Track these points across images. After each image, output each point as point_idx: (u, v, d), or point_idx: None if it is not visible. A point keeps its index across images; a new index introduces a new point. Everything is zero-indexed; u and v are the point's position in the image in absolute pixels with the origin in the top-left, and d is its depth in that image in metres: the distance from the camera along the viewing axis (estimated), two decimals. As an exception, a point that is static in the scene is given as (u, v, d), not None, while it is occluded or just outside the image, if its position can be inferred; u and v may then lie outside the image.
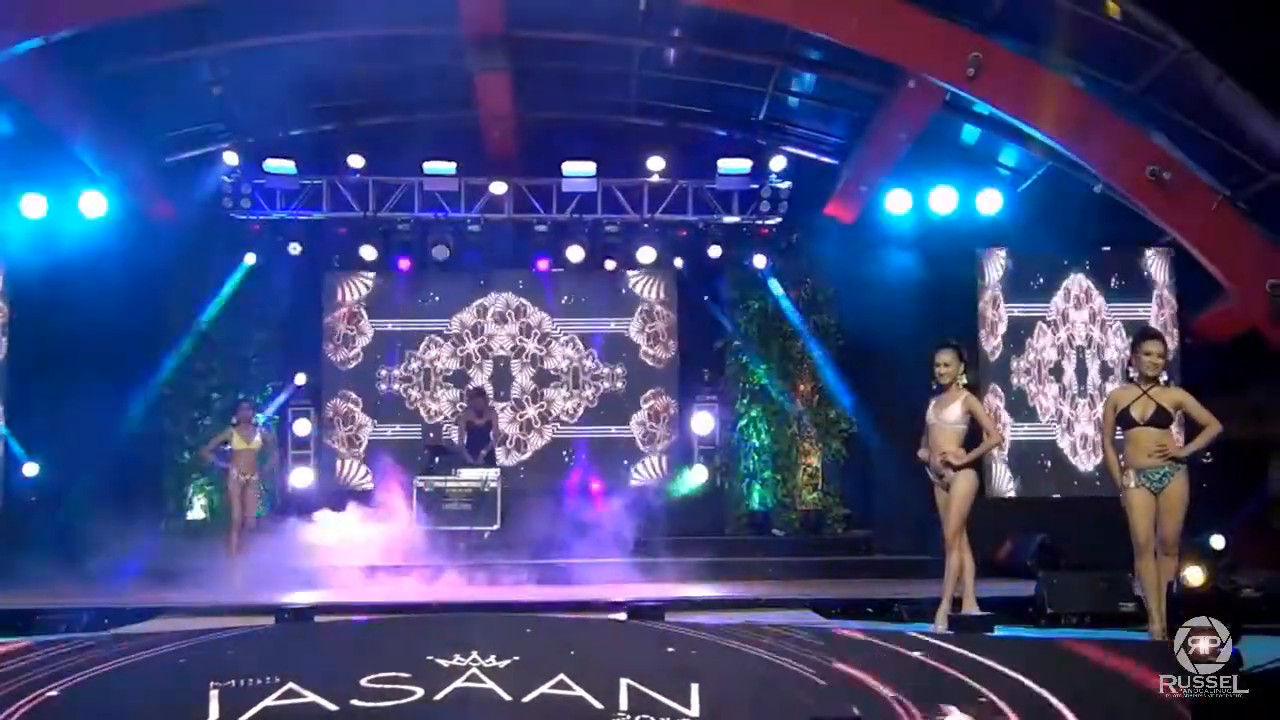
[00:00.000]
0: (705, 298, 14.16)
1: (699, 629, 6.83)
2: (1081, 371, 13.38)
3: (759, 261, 13.58)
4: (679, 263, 14.07)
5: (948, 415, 7.37)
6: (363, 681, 5.43)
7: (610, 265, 13.84)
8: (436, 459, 12.85)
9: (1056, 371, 13.39)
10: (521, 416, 14.41)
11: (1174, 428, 6.99)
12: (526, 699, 5.35)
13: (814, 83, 12.97)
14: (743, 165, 12.87)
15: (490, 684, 5.47)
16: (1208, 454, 8.96)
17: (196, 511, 13.13)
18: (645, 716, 5.16)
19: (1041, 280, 13.48)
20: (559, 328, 14.51)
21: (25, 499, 12.46)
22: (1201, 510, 7.13)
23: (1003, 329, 13.36)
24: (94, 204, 12.50)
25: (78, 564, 10.66)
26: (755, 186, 13.08)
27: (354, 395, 14.28)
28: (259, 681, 5.40)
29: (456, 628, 6.63)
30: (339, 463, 14.23)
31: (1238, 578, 8.37)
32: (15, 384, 12.71)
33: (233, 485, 11.05)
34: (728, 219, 13.29)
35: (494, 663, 5.65)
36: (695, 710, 5.23)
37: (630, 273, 14.32)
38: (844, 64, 12.03)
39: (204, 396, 13.33)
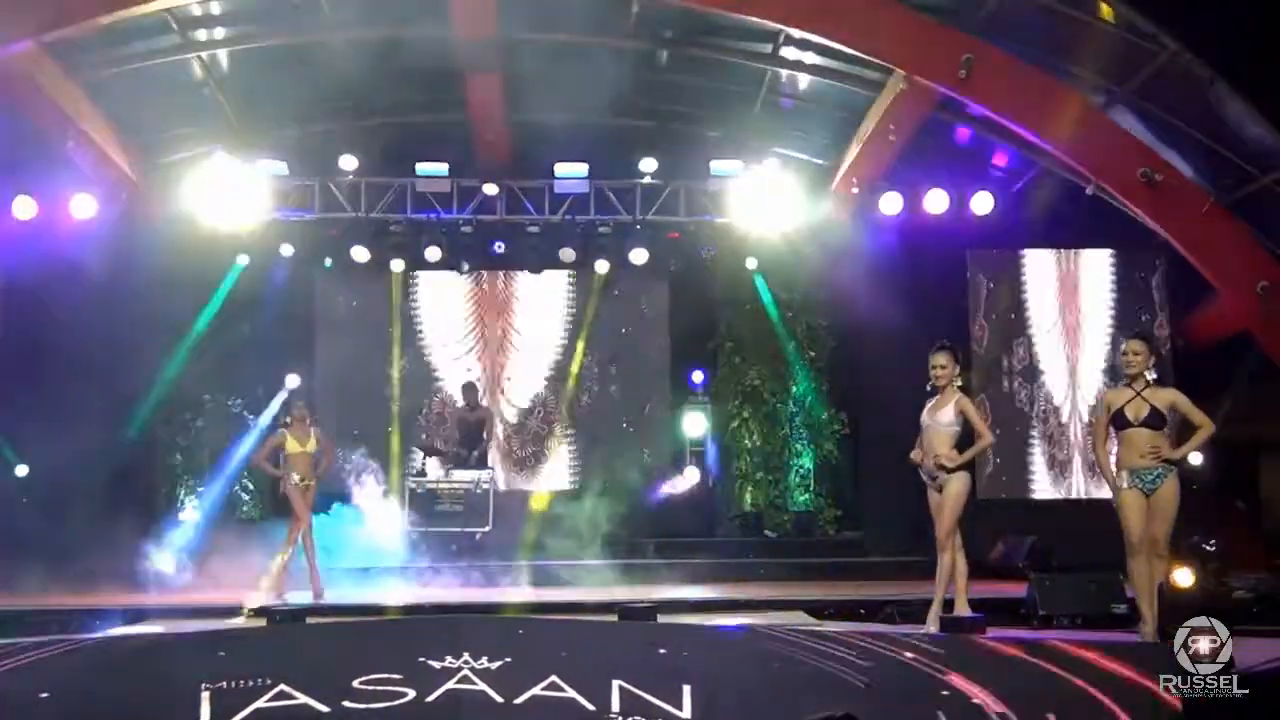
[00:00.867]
0: (697, 299, 14.13)
1: (691, 630, 6.84)
2: (1073, 373, 13.41)
3: (750, 263, 13.58)
4: (671, 264, 14.06)
5: (941, 417, 7.38)
6: (354, 683, 5.42)
7: (602, 266, 13.83)
8: (427, 460, 12.82)
9: (1049, 372, 13.43)
10: (514, 417, 14.39)
11: (1167, 429, 7.02)
12: (518, 700, 5.35)
13: (806, 84, 12.97)
14: (734, 166, 12.86)
15: (482, 685, 5.47)
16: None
17: (188, 513, 13.06)
18: (637, 718, 5.17)
19: (1033, 282, 13.51)
20: (551, 328, 14.49)
21: (16, 501, 12.40)
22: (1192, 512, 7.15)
23: (994, 330, 13.37)
24: (84, 206, 12.45)
25: (68, 566, 10.61)
26: (747, 187, 13.06)
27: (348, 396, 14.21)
28: (250, 683, 5.38)
29: (448, 629, 6.61)
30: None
31: (1229, 579, 8.39)
32: (5, 386, 12.64)
33: (293, 491, 10.08)
34: (720, 220, 13.29)
35: (486, 664, 5.64)
36: (687, 711, 5.23)
37: (622, 274, 14.32)
38: (836, 66, 12.04)
39: (196, 398, 13.29)
